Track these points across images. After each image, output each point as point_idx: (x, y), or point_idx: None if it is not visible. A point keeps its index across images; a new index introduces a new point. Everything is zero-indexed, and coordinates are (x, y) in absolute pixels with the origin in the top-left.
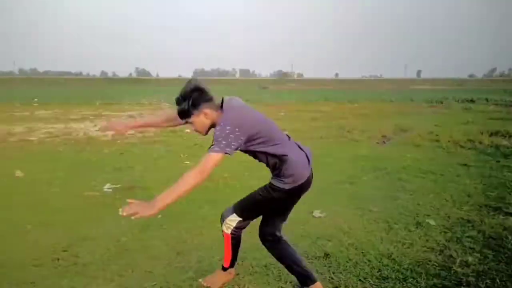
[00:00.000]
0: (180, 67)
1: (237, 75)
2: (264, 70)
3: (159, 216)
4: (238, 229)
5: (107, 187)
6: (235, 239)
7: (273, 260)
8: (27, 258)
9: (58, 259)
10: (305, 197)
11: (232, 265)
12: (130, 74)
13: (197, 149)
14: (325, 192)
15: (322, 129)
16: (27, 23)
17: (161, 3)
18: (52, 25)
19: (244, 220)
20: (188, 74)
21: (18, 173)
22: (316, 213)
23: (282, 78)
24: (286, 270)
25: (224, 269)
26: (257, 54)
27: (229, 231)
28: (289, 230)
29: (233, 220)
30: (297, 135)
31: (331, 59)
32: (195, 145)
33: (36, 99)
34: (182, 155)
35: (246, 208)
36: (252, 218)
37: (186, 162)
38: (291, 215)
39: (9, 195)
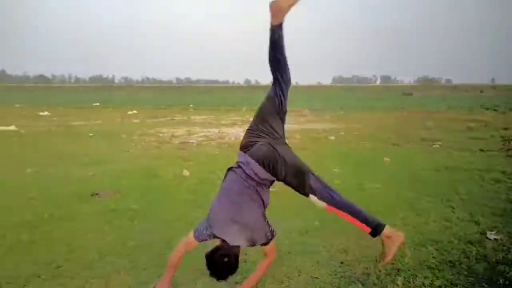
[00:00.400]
0: (319, 74)
1: (378, 82)
2: (406, 76)
3: (316, 222)
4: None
5: None
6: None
7: None
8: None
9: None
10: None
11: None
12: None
13: (343, 157)
14: (497, 213)
15: (481, 141)
16: (193, 35)
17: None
18: (211, 38)
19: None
20: (327, 81)
21: (185, 172)
22: (491, 235)
23: (427, 84)
24: None
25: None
26: (397, 60)
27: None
28: (460, 249)
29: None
30: (451, 146)
31: (486, 63)
32: (342, 153)
33: (191, 105)
34: (329, 162)
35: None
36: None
37: (334, 169)
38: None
39: (178, 192)
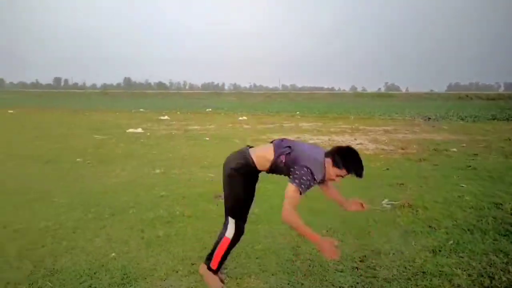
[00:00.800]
0: (433, 81)
1: (501, 89)
2: None
3: (451, 242)
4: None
5: (385, 202)
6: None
7: None
8: (329, 262)
9: (357, 268)
10: None
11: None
12: (379, 88)
13: (470, 172)
14: None
15: None
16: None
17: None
18: (316, 47)
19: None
20: (442, 89)
21: None
22: None
23: None
24: None
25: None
26: None
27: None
28: None
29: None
30: None
31: None
32: (468, 167)
33: (297, 112)
34: (455, 177)
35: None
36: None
37: (462, 185)
38: None
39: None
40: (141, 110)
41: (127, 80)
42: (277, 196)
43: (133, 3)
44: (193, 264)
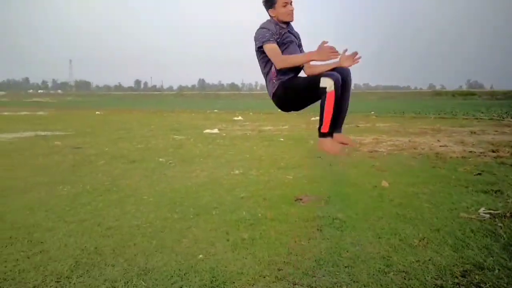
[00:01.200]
0: None
1: None
2: None
3: None
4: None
5: (482, 211)
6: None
7: None
8: (427, 276)
9: (458, 284)
10: None
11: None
12: (460, 86)
13: None
14: None
15: None
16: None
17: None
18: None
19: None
20: None
21: (384, 183)
22: None
23: None
24: None
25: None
26: None
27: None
28: None
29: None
30: None
31: None
32: None
33: (372, 112)
34: None
35: None
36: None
37: None
38: None
39: (382, 204)
40: (215, 111)
41: (201, 82)
42: (361, 201)
43: (202, 5)
44: (279, 270)
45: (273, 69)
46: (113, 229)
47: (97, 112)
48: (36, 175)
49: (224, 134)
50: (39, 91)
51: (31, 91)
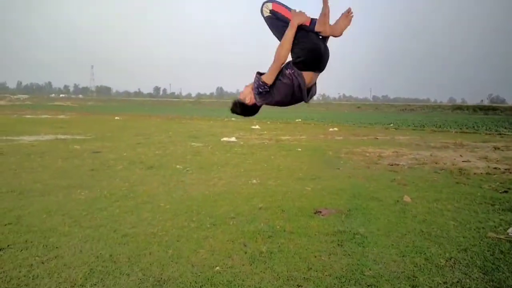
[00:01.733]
0: None
1: None
2: None
3: None
4: None
5: (511, 231)
6: None
7: None
8: None
9: None
10: None
11: None
12: (482, 101)
13: None
14: None
15: None
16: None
17: None
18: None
19: None
20: None
21: (407, 198)
22: None
23: None
24: None
25: None
26: None
27: None
28: None
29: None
30: None
31: None
32: None
33: (391, 124)
34: None
35: None
36: None
37: None
38: None
39: (404, 219)
40: (233, 119)
41: (219, 90)
42: (382, 216)
43: (223, 16)
44: (299, 286)
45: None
46: (129, 236)
47: (116, 118)
48: (55, 178)
49: (241, 143)
50: (61, 95)
51: (53, 95)
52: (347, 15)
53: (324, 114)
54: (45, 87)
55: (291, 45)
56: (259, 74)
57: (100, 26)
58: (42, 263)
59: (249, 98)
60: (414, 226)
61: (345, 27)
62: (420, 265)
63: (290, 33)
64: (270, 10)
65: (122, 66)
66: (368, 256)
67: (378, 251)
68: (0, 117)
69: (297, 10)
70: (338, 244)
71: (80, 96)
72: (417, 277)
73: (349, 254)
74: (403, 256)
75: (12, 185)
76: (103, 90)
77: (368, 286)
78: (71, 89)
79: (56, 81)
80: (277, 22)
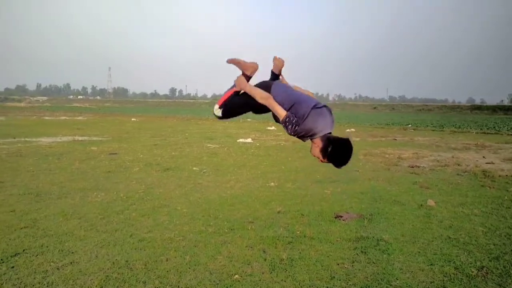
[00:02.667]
0: None
1: None
2: None
3: None
4: None
5: None
6: None
7: None
8: None
9: None
10: None
11: None
12: (502, 101)
13: None
14: None
15: None
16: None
17: None
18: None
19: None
20: None
21: (430, 202)
22: None
23: None
24: None
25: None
26: None
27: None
28: None
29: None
30: None
31: None
32: None
33: (409, 125)
34: None
35: None
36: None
37: None
38: None
39: (430, 225)
40: (248, 120)
41: None
42: (406, 221)
43: (237, 17)
44: None
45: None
46: (145, 241)
47: (133, 119)
48: (71, 181)
49: (258, 144)
50: (79, 97)
51: (71, 97)
52: (275, 58)
53: (340, 114)
54: (63, 89)
55: (258, 93)
56: (286, 121)
57: (118, 28)
58: (58, 269)
59: (317, 154)
60: (440, 232)
61: (282, 66)
62: (450, 275)
63: (249, 91)
64: (219, 107)
65: (139, 68)
66: (394, 265)
67: (404, 259)
68: (20, 119)
69: (236, 79)
70: (362, 251)
71: (98, 97)
72: None
73: (373, 262)
74: (431, 264)
75: (30, 187)
76: (120, 92)
77: None
78: (89, 90)
79: (74, 83)
80: (234, 103)
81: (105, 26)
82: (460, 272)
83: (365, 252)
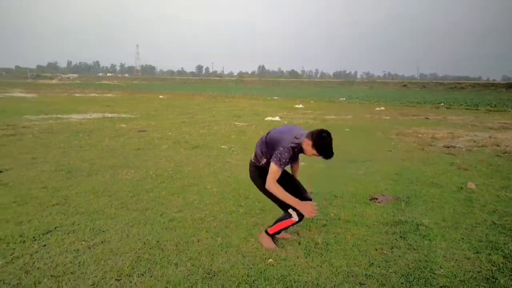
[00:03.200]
0: None
1: None
2: None
3: None
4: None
5: None
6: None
7: None
8: None
9: None
10: None
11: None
12: None
13: None
14: None
15: None
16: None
17: None
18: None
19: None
20: None
21: (471, 185)
22: None
23: None
24: None
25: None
26: None
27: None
28: None
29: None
30: None
31: None
32: None
33: (442, 103)
34: None
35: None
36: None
37: None
38: None
39: (472, 209)
40: (275, 98)
41: (261, 68)
42: (446, 205)
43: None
44: (361, 284)
45: (263, 161)
46: (176, 221)
47: (160, 96)
48: (102, 158)
49: (285, 122)
50: (108, 74)
51: (100, 74)
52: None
53: (368, 92)
54: (93, 66)
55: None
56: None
57: (146, 6)
58: (89, 248)
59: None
60: (484, 217)
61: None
62: (498, 264)
63: (285, 199)
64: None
65: (166, 45)
66: (436, 252)
67: (447, 246)
68: (52, 95)
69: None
70: (401, 236)
71: (126, 75)
72: (497, 279)
73: (414, 248)
74: (477, 252)
75: (61, 164)
76: (148, 69)
77: (441, 287)
78: (118, 68)
79: (104, 60)
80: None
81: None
82: (509, 262)
83: (405, 237)
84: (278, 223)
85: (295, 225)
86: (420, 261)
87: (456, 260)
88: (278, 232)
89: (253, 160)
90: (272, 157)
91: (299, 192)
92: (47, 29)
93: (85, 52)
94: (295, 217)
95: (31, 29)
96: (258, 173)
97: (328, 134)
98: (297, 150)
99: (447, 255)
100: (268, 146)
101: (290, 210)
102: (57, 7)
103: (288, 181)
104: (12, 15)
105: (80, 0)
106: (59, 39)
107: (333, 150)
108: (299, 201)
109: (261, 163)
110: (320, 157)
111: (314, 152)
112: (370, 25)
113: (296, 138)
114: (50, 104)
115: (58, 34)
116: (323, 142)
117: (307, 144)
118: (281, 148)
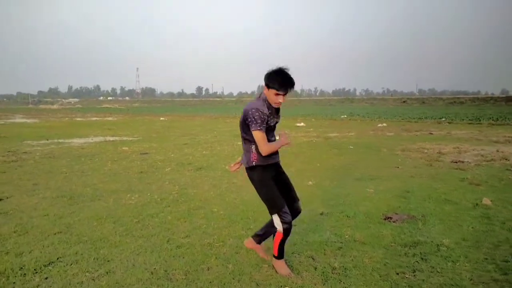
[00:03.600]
0: None
1: None
2: None
3: None
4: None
5: None
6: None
7: None
8: None
9: None
10: None
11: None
12: None
13: None
14: None
15: None
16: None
17: None
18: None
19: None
20: None
21: (486, 201)
22: None
23: None
24: None
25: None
26: None
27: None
28: None
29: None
30: None
31: None
32: None
33: (443, 118)
34: None
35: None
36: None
37: None
38: None
39: (491, 227)
40: None
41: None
42: (464, 223)
43: (261, 19)
44: None
45: (253, 149)
46: (183, 248)
47: (161, 118)
48: (104, 182)
49: (288, 141)
50: (109, 98)
51: (101, 98)
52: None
53: (369, 109)
54: (93, 91)
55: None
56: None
57: (144, 29)
58: (93, 279)
59: (273, 96)
60: (506, 235)
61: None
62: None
63: (276, 147)
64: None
65: (166, 67)
66: (461, 274)
67: (471, 267)
68: (53, 120)
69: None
70: (422, 258)
71: (127, 98)
72: None
73: (437, 271)
74: (505, 274)
75: (63, 190)
76: (148, 92)
77: None
78: (118, 91)
79: (104, 84)
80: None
81: (135, 25)
82: None
83: (426, 259)
84: (275, 244)
85: (286, 240)
86: (445, 284)
87: (484, 283)
88: (281, 250)
89: (243, 164)
90: (250, 126)
91: (290, 197)
92: (48, 56)
93: (85, 77)
94: (279, 228)
95: (32, 56)
96: (251, 176)
97: (276, 69)
98: (265, 104)
99: (473, 278)
100: (243, 124)
101: (273, 217)
102: (57, 32)
103: (282, 184)
104: (13, 42)
105: (81, 26)
106: (59, 65)
107: (291, 77)
108: (279, 141)
109: (248, 164)
110: (285, 96)
111: (274, 91)
112: (369, 43)
113: (257, 99)
114: (52, 129)
115: (58, 60)
116: (271, 73)
117: (266, 91)
118: (250, 113)
